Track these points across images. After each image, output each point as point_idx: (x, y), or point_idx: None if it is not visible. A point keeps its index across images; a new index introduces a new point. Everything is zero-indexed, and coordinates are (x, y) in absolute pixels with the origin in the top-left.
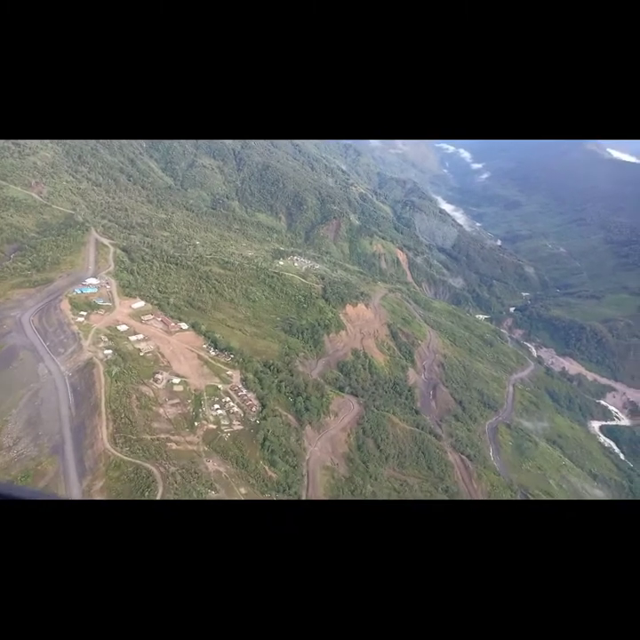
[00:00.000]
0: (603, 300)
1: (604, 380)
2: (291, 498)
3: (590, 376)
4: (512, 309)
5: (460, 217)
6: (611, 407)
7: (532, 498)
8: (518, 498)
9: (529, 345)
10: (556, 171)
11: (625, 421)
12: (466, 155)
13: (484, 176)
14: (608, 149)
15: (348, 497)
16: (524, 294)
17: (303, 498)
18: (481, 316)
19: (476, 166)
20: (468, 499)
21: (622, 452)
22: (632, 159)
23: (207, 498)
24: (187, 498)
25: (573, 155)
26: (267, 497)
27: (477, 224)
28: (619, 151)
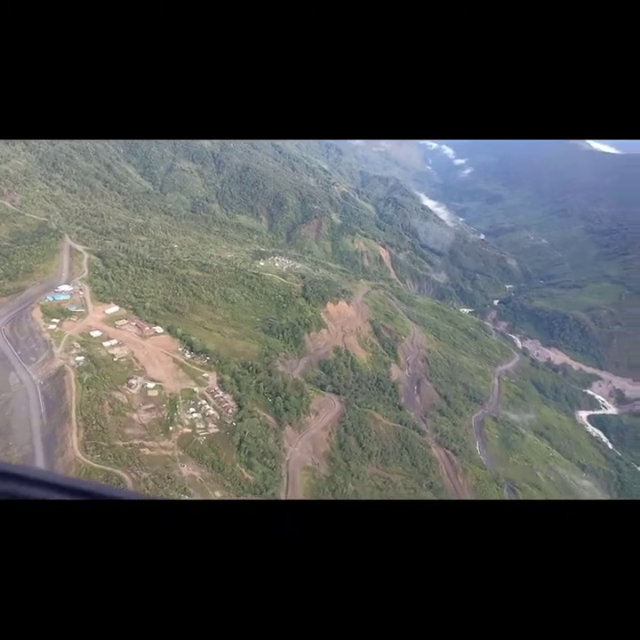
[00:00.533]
0: (585, 289)
1: (589, 370)
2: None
3: (576, 365)
4: (496, 302)
5: (442, 213)
6: (597, 396)
7: (519, 491)
8: (505, 491)
9: (514, 337)
10: (538, 164)
11: (612, 410)
12: (449, 151)
13: (467, 171)
14: (588, 141)
15: (330, 497)
16: (507, 287)
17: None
18: (465, 310)
19: (459, 162)
20: (458, 497)
21: (610, 442)
22: (611, 150)
23: None
24: None
25: (554, 148)
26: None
27: (461, 219)
28: (599, 143)
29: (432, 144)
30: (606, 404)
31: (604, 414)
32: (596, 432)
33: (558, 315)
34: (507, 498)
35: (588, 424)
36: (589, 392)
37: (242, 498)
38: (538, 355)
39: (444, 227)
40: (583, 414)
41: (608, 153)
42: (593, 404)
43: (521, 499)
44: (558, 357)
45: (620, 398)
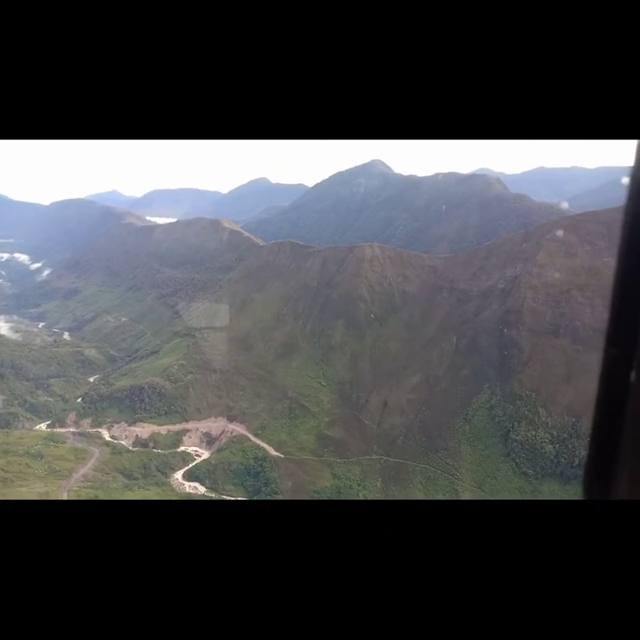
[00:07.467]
0: (161, 351)
1: (177, 427)
2: None
3: (163, 430)
4: (79, 400)
5: (5, 326)
6: (189, 449)
7: None
8: None
9: (100, 430)
10: (105, 249)
11: (205, 454)
12: (24, 257)
13: (45, 273)
14: (148, 218)
15: None
16: (91, 379)
17: None
18: (42, 425)
19: (36, 266)
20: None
21: (206, 488)
22: (168, 220)
23: None
24: None
25: (114, 230)
26: None
27: (40, 324)
28: (157, 216)
29: (3, 255)
30: (199, 451)
31: (196, 464)
32: (193, 486)
33: (136, 388)
34: None
35: (184, 483)
36: (181, 449)
37: None
38: (126, 437)
39: None
40: (179, 474)
41: (162, 224)
42: (186, 458)
43: None
44: (145, 430)
45: (209, 440)
